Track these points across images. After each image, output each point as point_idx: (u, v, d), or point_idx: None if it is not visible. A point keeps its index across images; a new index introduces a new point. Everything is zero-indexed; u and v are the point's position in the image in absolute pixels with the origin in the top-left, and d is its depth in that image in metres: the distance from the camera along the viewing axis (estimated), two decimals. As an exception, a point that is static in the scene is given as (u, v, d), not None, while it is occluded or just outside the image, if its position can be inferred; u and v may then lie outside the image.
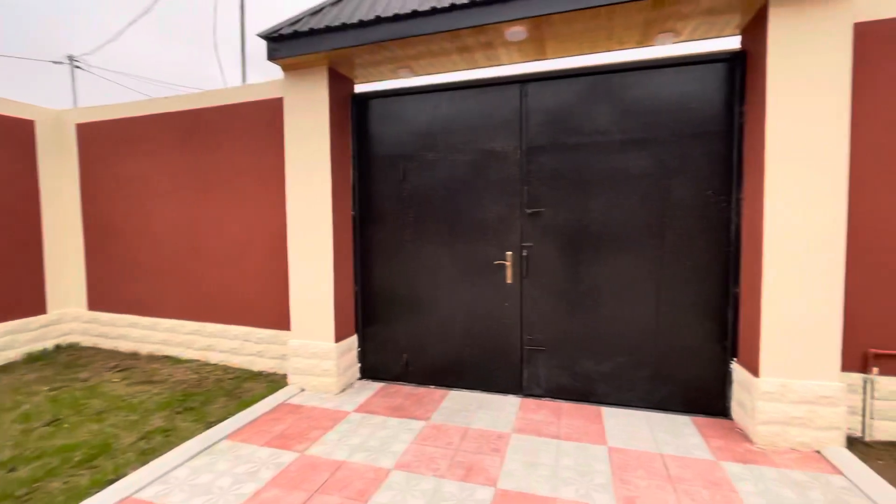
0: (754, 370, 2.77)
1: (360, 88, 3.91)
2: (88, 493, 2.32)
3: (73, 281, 5.08)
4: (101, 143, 4.88)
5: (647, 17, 2.80)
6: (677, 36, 3.10)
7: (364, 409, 3.32)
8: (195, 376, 4.04)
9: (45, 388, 3.78)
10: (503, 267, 3.49)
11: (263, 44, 3.43)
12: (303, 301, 3.67)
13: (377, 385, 3.80)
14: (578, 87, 3.29)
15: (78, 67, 15.45)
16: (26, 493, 2.34)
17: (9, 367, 4.34)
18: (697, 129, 3.06)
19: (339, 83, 3.66)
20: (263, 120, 4.08)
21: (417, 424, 3.06)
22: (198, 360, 4.46)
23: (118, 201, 4.84)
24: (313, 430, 3.00)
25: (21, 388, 3.81)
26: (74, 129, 4.99)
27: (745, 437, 2.82)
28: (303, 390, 3.65)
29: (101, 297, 5.00)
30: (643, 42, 3.19)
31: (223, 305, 4.37)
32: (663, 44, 3.21)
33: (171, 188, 4.54)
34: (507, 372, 3.55)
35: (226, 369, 4.23)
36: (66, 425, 3.10)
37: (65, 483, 2.43)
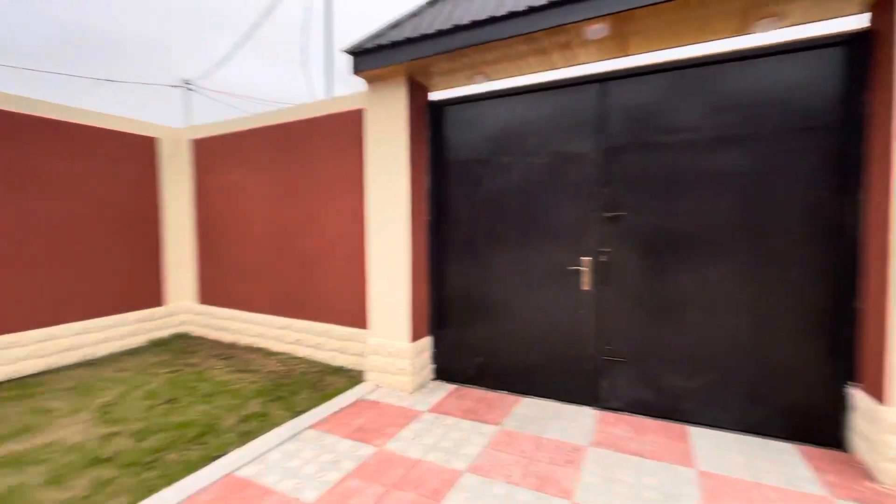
0: (880, 397, 2.41)
1: (435, 96, 4.01)
2: (198, 466, 2.63)
3: (187, 277, 5.78)
4: (210, 156, 5.51)
5: (746, 2, 2.56)
6: (781, 20, 2.79)
7: (437, 409, 3.40)
8: (284, 368, 4.40)
9: (165, 371, 4.35)
10: (578, 273, 3.38)
11: (349, 59, 3.65)
12: (380, 302, 3.85)
13: (450, 387, 3.86)
14: (665, 82, 3.10)
15: (191, 90, 17.60)
16: (151, 461, 2.71)
17: (136, 351, 5.04)
18: (805, 122, 2.73)
19: (417, 92, 3.79)
20: (345, 130, 4.35)
21: (490, 429, 3.06)
22: (287, 353, 4.86)
23: (223, 207, 5.43)
24: (389, 426, 3.12)
25: (146, 369, 4.41)
26: (188, 145, 5.68)
27: (867, 475, 2.46)
28: (379, 387, 3.82)
29: (209, 292, 5.64)
30: (740, 30, 2.92)
31: (308, 303, 4.72)
32: (765, 30, 2.91)
33: (265, 195, 5.00)
34: (582, 382, 3.42)
35: (311, 363, 4.55)
36: (180, 404, 3.54)
37: (180, 455, 2.78)
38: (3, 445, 2.89)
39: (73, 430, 3.11)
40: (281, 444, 2.86)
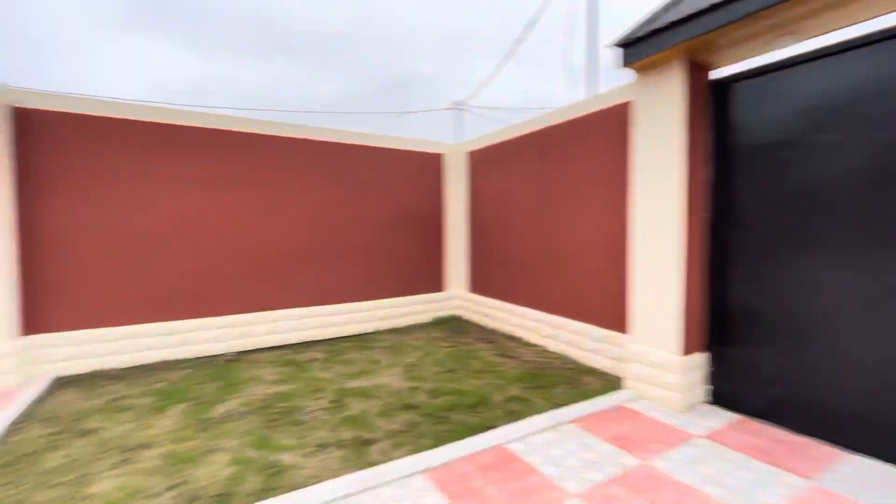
0: None
1: (718, 74, 3.44)
2: (476, 430, 3.08)
3: (460, 269, 6.85)
4: (481, 164, 6.34)
5: None
6: None
7: (716, 438, 2.93)
8: (540, 360, 4.67)
9: (445, 345, 5.28)
10: (972, 293, 2.28)
11: (616, 53, 3.53)
12: (644, 307, 3.59)
13: (731, 415, 3.26)
14: None
15: (462, 110, 20.69)
16: (442, 417, 3.34)
17: (424, 326, 6.30)
18: None
19: (696, 73, 3.34)
20: (608, 127, 4.23)
21: (796, 481, 2.43)
22: (541, 346, 5.13)
23: (490, 209, 6.17)
24: (654, 442, 2.89)
25: (431, 342, 5.46)
26: (464, 157, 6.70)
27: None
28: (640, 397, 3.57)
29: (477, 282, 6.54)
30: None
31: (564, 301, 4.84)
32: None
33: (526, 197, 5.40)
34: (972, 455, 2.30)
35: (564, 359, 4.67)
36: (459, 375, 4.23)
37: (462, 417, 3.32)
38: (355, 380, 4.13)
39: (391, 378, 4.16)
40: (543, 430, 3.05)
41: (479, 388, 3.91)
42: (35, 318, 4.21)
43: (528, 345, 5.23)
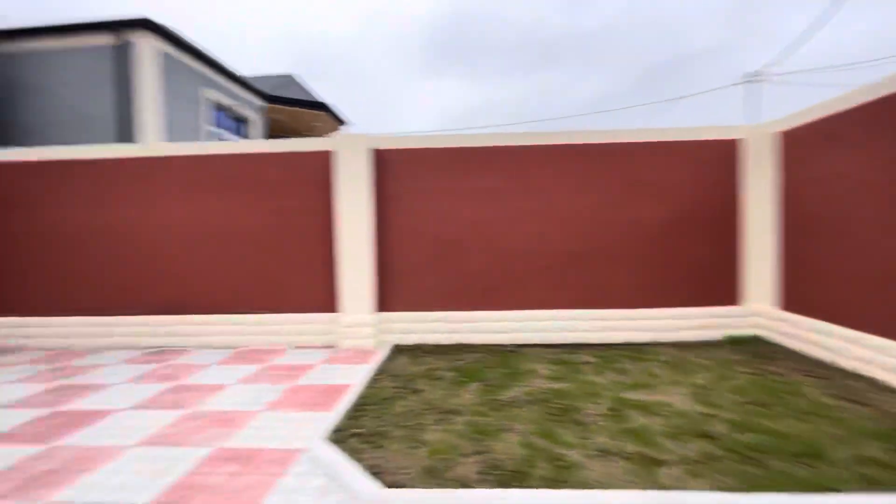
0: None
1: None
2: (805, 487, 2.40)
3: (764, 279, 5.51)
4: (803, 146, 4.95)
5: None
6: None
7: None
8: (916, 415, 3.25)
9: (744, 370, 4.35)
10: None
11: None
12: None
13: None
14: None
15: (760, 82, 16.75)
16: (751, 457, 2.75)
17: (712, 345, 5.36)
18: None
19: None
20: None
21: None
22: (915, 395, 3.57)
23: (817, 202, 4.73)
24: None
25: (726, 365, 4.59)
26: (773, 139, 5.36)
27: None
28: None
29: (792, 297, 5.13)
30: None
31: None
32: None
33: (886, 182, 3.87)
34: None
35: (970, 422, 3.10)
36: (770, 412, 3.40)
37: (781, 465, 2.65)
38: (632, 391, 3.90)
39: (676, 398, 3.72)
40: (937, 519, 2.11)
41: (808, 433, 3.03)
42: (383, 299, 5.81)
43: (889, 390, 3.73)
